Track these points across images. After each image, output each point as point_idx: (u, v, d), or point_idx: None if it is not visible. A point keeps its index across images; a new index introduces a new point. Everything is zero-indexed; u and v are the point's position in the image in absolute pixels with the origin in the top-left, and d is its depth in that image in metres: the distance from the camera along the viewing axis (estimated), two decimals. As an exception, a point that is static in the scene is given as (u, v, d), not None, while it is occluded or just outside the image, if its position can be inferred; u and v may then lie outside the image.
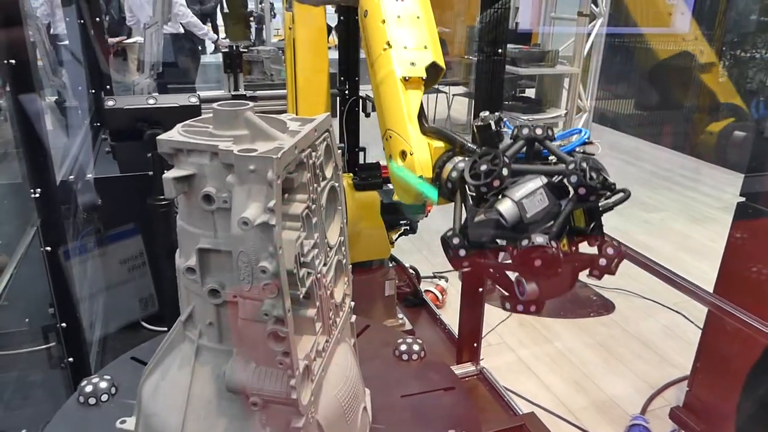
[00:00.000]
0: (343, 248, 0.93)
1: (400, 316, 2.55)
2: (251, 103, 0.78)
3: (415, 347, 1.21)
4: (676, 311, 3.36)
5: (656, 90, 7.27)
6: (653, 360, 3.00)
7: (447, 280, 3.51)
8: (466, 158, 1.01)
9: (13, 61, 1.48)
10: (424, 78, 1.18)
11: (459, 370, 2.09)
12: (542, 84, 3.87)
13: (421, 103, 1.18)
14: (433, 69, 1.19)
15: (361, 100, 3.32)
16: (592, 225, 0.89)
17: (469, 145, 1.02)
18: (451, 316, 2.55)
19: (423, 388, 1.11)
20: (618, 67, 7.18)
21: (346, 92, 3.33)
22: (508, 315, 3.36)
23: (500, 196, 0.87)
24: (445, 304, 3.34)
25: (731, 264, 2.17)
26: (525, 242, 0.82)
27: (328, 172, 0.87)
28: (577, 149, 0.93)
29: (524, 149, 0.94)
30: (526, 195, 0.83)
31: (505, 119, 0.97)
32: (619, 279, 3.66)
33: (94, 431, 1.03)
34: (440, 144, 1.09)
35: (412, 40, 1.20)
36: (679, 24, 6.71)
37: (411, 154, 1.09)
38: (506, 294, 0.92)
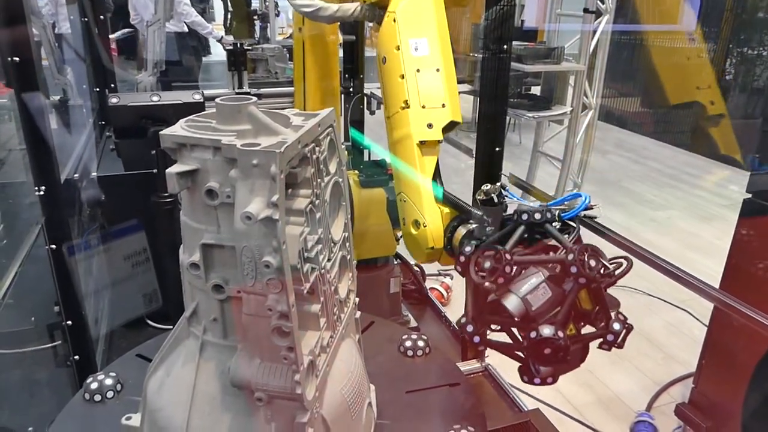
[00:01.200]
0: (347, 244, 0.93)
1: (405, 313, 2.54)
2: (254, 98, 0.77)
3: (420, 343, 1.21)
4: (682, 308, 3.35)
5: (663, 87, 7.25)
6: (658, 357, 2.98)
7: (452, 278, 3.51)
8: (474, 227, 1.06)
9: (17, 59, 1.49)
10: (440, 141, 1.21)
11: (464, 366, 2.08)
12: (548, 81, 3.86)
13: (437, 164, 1.21)
14: (449, 124, 1.22)
15: (365, 98, 3.32)
16: (596, 308, 0.93)
17: (478, 212, 1.05)
18: (456, 313, 2.55)
19: (428, 384, 1.11)
20: (624, 64, 7.16)
21: (351, 90, 3.33)
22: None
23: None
24: (450, 301, 3.33)
25: (737, 261, 2.16)
26: (533, 334, 0.86)
27: (332, 168, 0.86)
28: (580, 214, 0.97)
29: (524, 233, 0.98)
30: (530, 291, 0.88)
31: (506, 187, 1.01)
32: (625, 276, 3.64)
33: (99, 428, 1.04)
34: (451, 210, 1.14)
35: (431, 98, 1.20)
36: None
37: (424, 226, 1.13)
38: (523, 369, 0.98)
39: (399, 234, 2.42)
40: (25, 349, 2.16)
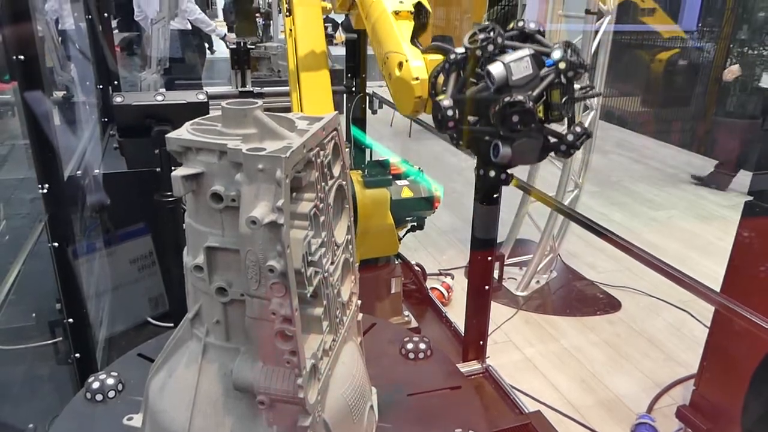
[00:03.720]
0: (350, 246, 0.93)
1: (406, 313, 2.55)
2: (260, 102, 0.77)
3: (422, 345, 1.21)
4: (683, 309, 3.35)
5: (662, 87, 7.25)
6: (660, 358, 2.99)
7: (453, 278, 3.51)
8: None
9: (22, 57, 1.49)
10: (412, 12, 1.31)
11: (465, 368, 2.08)
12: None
13: (413, 33, 1.29)
14: (418, 18, 1.32)
15: (368, 97, 3.32)
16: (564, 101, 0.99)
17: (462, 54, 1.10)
18: (457, 313, 2.55)
19: (430, 387, 1.11)
20: (625, 64, 7.15)
21: (354, 89, 3.32)
22: (514, 313, 3.35)
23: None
24: (450, 301, 3.34)
25: (739, 262, 2.16)
26: (507, 98, 0.92)
27: (336, 171, 0.86)
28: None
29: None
30: (514, 60, 0.94)
31: (497, 29, 1.04)
32: (625, 277, 3.65)
33: (101, 428, 1.04)
34: (436, 57, 1.18)
35: None
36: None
37: (406, 62, 1.19)
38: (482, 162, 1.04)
39: (401, 233, 2.43)
40: (26, 346, 2.17)
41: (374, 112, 3.41)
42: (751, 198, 2.13)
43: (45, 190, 1.60)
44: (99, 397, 1.08)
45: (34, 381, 2.14)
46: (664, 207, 5.04)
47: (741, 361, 2.15)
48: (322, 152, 0.80)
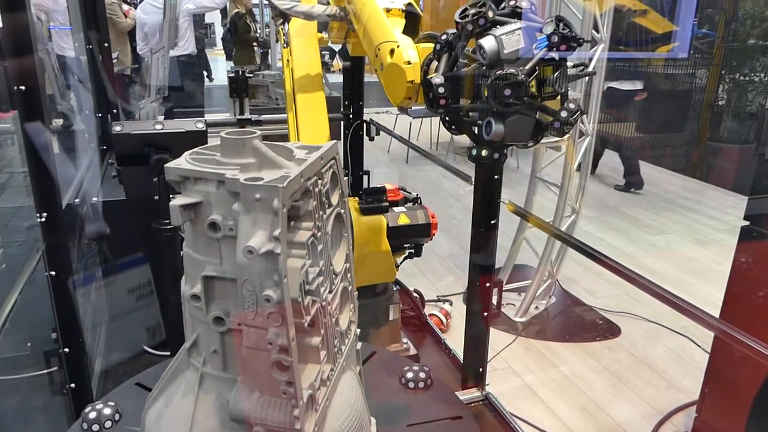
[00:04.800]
0: (348, 275, 0.93)
1: (405, 340, 2.53)
2: (258, 131, 0.78)
3: (422, 375, 1.20)
4: (683, 335, 3.33)
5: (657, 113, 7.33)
6: (661, 385, 2.96)
7: (451, 304, 3.49)
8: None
9: (23, 88, 1.51)
10: (403, 11, 1.34)
11: (464, 395, 2.06)
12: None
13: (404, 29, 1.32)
14: (411, 24, 1.35)
15: (365, 125, 3.35)
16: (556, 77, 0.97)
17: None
18: (455, 340, 2.53)
19: (430, 417, 1.10)
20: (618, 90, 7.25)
21: (351, 116, 3.36)
22: (513, 339, 3.33)
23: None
24: (449, 328, 3.31)
25: (737, 288, 2.16)
26: (499, 72, 0.91)
27: (334, 199, 0.87)
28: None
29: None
30: (506, 33, 0.93)
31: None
32: (625, 302, 3.63)
33: (96, 459, 1.02)
34: (428, 45, 1.18)
35: None
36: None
37: (398, 47, 1.19)
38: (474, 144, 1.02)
39: (399, 260, 2.42)
40: (20, 376, 2.14)
41: (371, 138, 3.44)
42: (747, 223, 2.13)
43: (43, 219, 1.61)
44: (95, 427, 1.06)
45: (27, 412, 2.11)
46: (662, 232, 5.05)
47: (742, 387, 2.13)
48: (320, 181, 0.81)
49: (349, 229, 0.92)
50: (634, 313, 3.56)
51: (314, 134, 1.77)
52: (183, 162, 0.78)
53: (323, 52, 2.02)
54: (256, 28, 7.89)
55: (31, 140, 1.53)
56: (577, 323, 3.55)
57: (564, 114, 0.93)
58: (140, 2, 5.57)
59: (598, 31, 3.35)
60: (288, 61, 1.89)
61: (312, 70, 1.86)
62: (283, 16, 1.84)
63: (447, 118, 1.08)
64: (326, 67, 10.26)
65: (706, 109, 6.79)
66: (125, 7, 6.01)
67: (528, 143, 1.02)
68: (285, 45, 1.92)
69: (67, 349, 1.75)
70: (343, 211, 0.89)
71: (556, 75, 0.94)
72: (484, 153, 1.01)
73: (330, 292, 0.85)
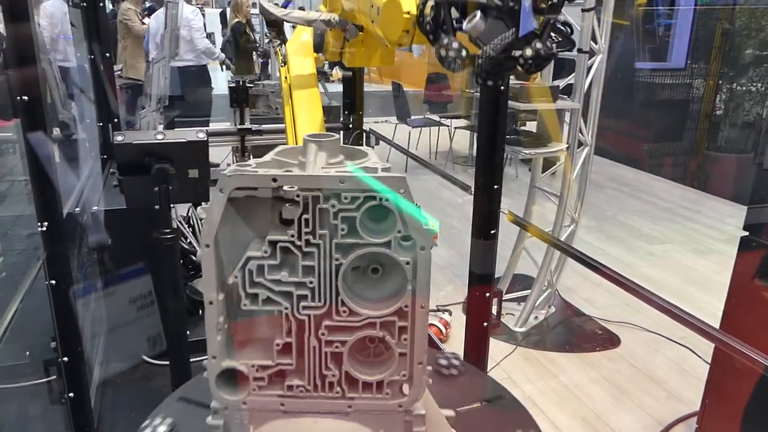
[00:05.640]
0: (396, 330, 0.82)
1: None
2: (337, 135, 0.81)
3: (455, 362, 1.22)
4: (684, 345, 3.32)
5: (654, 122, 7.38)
6: (661, 396, 2.95)
7: (451, 314, 3.49)
8: None
9: (25, 98, 1.51)
10: None
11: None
12: (543, 118, 3.92)
13: None
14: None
15: (364, 134, 3.37)
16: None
17: None
18: (455, 350, 2.52)
19: (474, 400, 1.12)
20: (617, 100, 7.29)
21: (350, 126, 3.37)
22: (513, 349, 3.33)
23: None
24: (448, 338, 3.31)
25: (737, 298, 2.16)
26: None
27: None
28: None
29: None
30: None
31: None
32: (624, 312, 3.63)
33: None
34: None
35: None
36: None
37: None
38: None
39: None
40: (18, 385, 2.13)
41: (371, 148, 3.45)
42: (746, 233, 2.14)
43: (44, 228, 1.61)
44: None
45: (26, 421, 2.10)
46: (661, 241, 5.06)
47: (742, 398, 2.13)
48: (335, 202, 0.75)
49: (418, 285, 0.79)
50: (634, 323, 3.56)
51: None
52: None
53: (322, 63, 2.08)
54: (256, 38, 7.93)
55: (33, 150, 1.54)
56: (576, 333, 3.55)
57: (529, 52, 0.94)
58: (148, 10, 5.61)
59: (596, 42, 3.37)
60: (286, 77, 1.92)
61: (309, 88, 1.88)
62: (279, 35, 1.89)
63: (444, 51, 1.08)
64: (325, 76, 10.30)
65: (704, 119, 6.83)
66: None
67: (497, 71, 1.01)
68: (283, 64, 1.96)
69: (66, 358, 1.75)
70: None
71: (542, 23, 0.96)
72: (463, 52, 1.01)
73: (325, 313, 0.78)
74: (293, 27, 1.94)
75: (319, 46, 1.94)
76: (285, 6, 1.80)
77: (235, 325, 0.81)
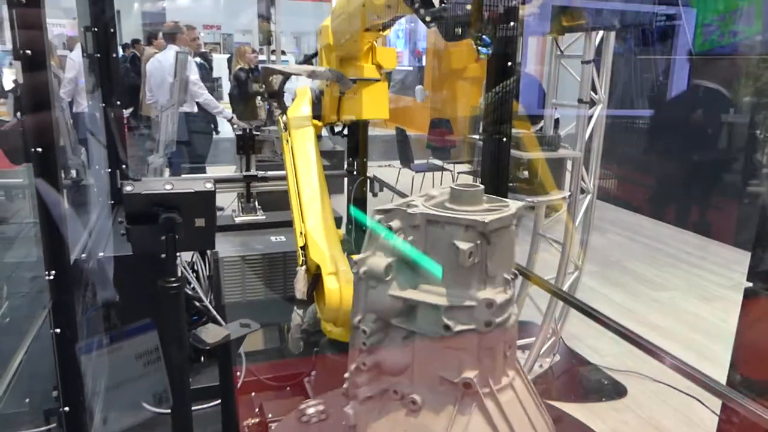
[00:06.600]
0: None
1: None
2: (482, 186, 1.01)
3: None
4: (691, 395, 3.26)
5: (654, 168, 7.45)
6: (669, 448, 2.89)
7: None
8: None
9: (39, 150, 1.55)
10: None
11: None
12: (535, 168, 3.98)
13: None
14: None
15: (369, 181, 3.40)
16: None
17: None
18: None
19: None
20: (617, 147, 7.38)
21: (355, 172, 3.41)
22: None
23: None
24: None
25: (745, 349, 2.13)
26: None
27: None
28: None
29: None
30: None
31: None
32: (630, 360, 3.58)
33: None
34: None
35: None
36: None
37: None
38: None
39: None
40: (17, 434, 2.10)
41: (375, 194, 3.48)
42: (751, 284, 2.13)
43: (51, 276, 1.62)
44: None
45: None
46: (665, 287, 5.03)
47: (754, 453, 2.07)
48: None
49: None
50: (641, 372, 3.50)
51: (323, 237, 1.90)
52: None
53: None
54: (261, 84, 8.09)
55: (43, 201, 1.57)
56: (582, 383, 3.50)
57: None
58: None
59: (596, 93, 3.45)
60: (287, 141, 2.07)
61: (309, 155, 2.04)
62: (279, 106, 2.12)
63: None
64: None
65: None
66: None
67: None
68: (284, 129, 2.11)
69: (67, 408, 1.73)
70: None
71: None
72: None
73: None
74: (293, 99, 2.12)
75: (316, 115, 2.13)
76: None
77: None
